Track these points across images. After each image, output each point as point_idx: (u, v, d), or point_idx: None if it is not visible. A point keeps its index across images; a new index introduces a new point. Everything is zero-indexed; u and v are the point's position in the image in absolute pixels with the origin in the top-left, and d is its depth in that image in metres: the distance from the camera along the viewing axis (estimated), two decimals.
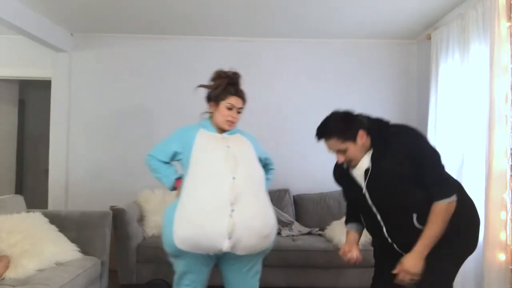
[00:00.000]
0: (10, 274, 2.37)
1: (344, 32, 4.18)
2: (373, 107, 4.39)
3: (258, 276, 2.13)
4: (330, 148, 1.93)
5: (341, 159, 1.89)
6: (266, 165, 2.32)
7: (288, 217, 3.97)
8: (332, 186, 4.34)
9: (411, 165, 1.76)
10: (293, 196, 4.20)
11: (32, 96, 5.79)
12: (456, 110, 3.28)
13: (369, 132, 1.85)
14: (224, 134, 2.13)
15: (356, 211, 2.09)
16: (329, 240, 3.48)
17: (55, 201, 4.30)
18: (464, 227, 1.86)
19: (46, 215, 2.90)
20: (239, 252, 1.92)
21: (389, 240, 1.91)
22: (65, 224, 2.94)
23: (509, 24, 2.66)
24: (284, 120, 4.39)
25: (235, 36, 4.33)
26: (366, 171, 1.85)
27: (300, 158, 4.38)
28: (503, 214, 2.61)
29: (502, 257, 2.60)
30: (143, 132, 4.30)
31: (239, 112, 2.14)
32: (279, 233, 3.72)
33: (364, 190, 1.88)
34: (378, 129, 1.86)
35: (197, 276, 2.06)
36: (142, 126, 4.35)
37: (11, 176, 5.02)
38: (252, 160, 2.12)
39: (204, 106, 2.24)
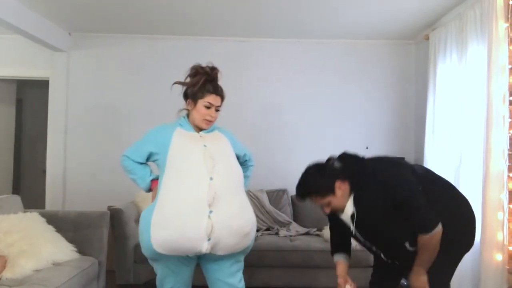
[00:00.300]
0: (7, 274, 2.36)
1: (342, 33, 4.18)
2: (372, 108, 4.41)
3: (239, 275, 2.07)
4: (314, 203, 1.96)
5: (327, 210, 1.94)
6: (245, 162, 2.27)
7: (286, 217, 3.97)
8: None
9: (392, 202, 1.80)
10: (291, 196, 4.21)
11: (30, 96, 5.77)
12: (454, 111, 3.29)
13: (345, 177, 1.88)
14: (202, 133, 2.06)
15: (343, 239, 2.11)
16: (326, 240, 3.48)
17: (52, 201, 4.29)
18: (459, 227, 1.88)
19: (43, 215, 2.89)
20: (219, 252, 1.89)
21: (389, 261, 1.99)
22: (62, 224, 2.93)
23: (507, 25, 2.67)
24: (282, 120, 4.39)
25: (235, 36, 4.33)
26: (352, 215, 1.90)
27: (298, 158, 4.38)
28: (500, 215, 2.62)
29: (499, 257, 2.60)
30: (141, 132, 4.28)
31: (217, 110, 2.06)
32: (276, 234, 3.72)
33: (354, 232, 1.94)
34: (353, 171, 1.89)
35: (180, 278, 2.01)
36: (140, 126, 4.33)
37: (8, 175, 5.01)
38: (230, 158, 2.05)
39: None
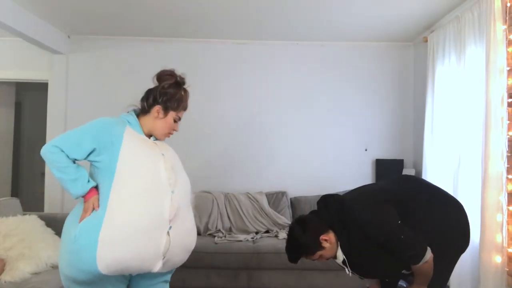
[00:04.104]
0: (6, 277, 2.37)
1: (341, 35, 4.19)
2: (370, 110, 4.41)
3: (168, 286, 1.92)
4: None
5: (323, 260, 1.99)
6: None
7: (285, 219, 3.97)
8: (329, 188, 4.33)
9: (376, 243, 1.82)
10: (290, 199, 4.21)
11: (29, 99, 5.78)
12: (453, 112, 3.29)
13: (329, 227, 1.93)
14: (153, 139, 1.88)
15: None
16: None
17: (51, 203, 4.29)
18: (452, 233, 1.91)
19: (42, 218, 2.89)
20: (164, 269, 1.72)
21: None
22: (61, 227, 2.90)
23: (504, 27, 2.67)
24: (281, 122, 4.39)
25: (234, 39, 4.33)
26: (344, 261, 1.95)
27: (297, 161, 4.38)
28: (499, 217, 2.62)
29: (498, 259, 2.60)
30: None
31: None
32: (276, 236, 3.71)
33: (351, 274, 1.98)
34: (334, 219, 1.93)
35: None
36: None
37: (7, 178, 5.00)
38: (183, 170, 1.91)
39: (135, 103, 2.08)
